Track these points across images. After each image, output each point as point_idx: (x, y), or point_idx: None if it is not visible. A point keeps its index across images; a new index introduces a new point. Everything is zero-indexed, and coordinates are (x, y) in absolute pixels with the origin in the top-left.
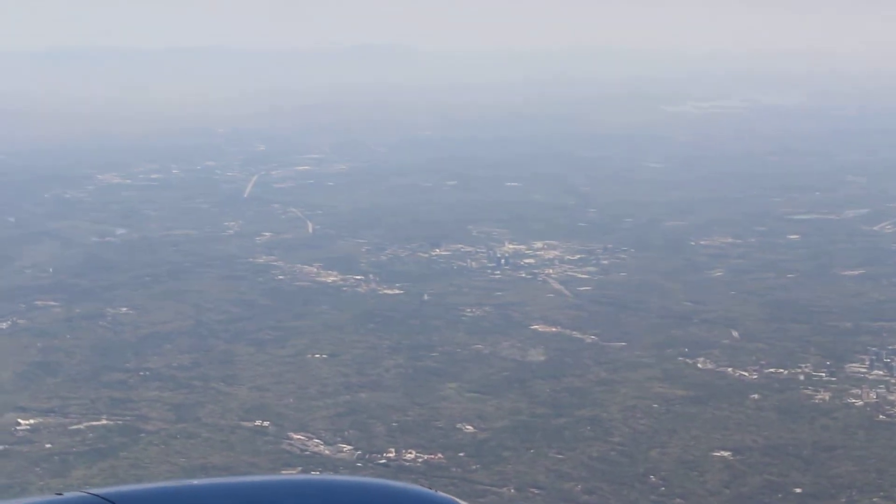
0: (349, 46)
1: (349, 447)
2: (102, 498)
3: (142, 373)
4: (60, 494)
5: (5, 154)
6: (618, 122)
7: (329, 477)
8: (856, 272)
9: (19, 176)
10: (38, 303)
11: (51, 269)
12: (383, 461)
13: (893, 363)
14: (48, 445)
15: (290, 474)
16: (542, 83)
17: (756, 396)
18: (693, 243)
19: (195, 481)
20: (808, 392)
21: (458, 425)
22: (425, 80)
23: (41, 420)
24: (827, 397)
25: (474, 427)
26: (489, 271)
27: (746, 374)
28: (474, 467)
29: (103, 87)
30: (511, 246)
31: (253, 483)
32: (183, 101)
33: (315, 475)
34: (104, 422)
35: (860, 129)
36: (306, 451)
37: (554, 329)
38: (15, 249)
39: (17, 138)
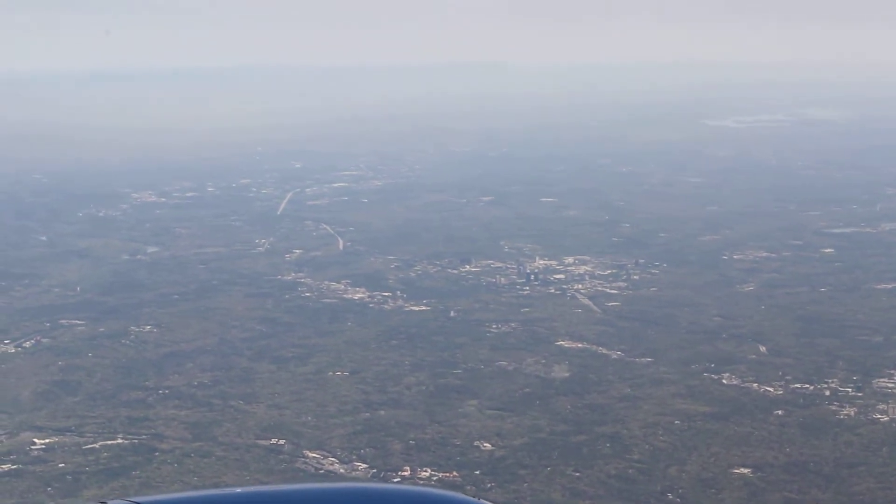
0: (399, 63)
1: (364, 465)
2: None
3: (161, 391)
4: (104, 502)
5: (43, 174)
6: (658, 136)
7: (369, 485)
8: (890, 286)
9: (55, 195)
10: (63, 321)
11: (78, 288)
12: (397, 479)
13: None
14: (61, 465)
15: (335, 483)
16: (585, 98)
17: (780, 412)
18: (727, 258)
19: (238, 489)
20: (834, 408)
21: (476, 443)
22: (469, 94)
23: (56, 439)
24: (852, 413)
25: (492, 445)
26: (518, 287)
27: (772, 389)
28: (489, 485)
29: (147, 107)
30: (542, 261)
31: (299, 491)
32: (225, 119)
33: (356, 483)
34: (119, 441)
35: None
36: (321, 469)
37: (580, 345)
38: (44, 268)
39: (56, 159)
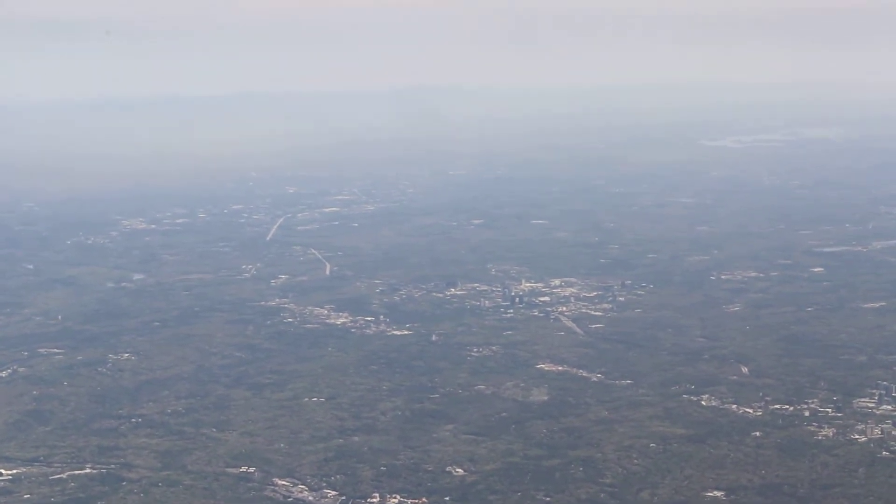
0: (396, 86)
1: (333, 493)
2: None
3: (134, 419)
4: None
5: (35, 203)
6: (655, 157)
7: None
8: (877, 305)
9: (45, 224)
10: (42, 350)
11: (60, 317)
12: None
13: None
14: (27, 496)
15: None
16: (587, 120)
17: (757, 434)
18: (714, 278)
19: None
20: (812, 428)
21: (448, 468)
22: (466, 118)
23: (24, 470)
24: (830, 433)
25: (464, 470)
26: (502, 310)
27: (751, 410)
28: None
29: (143, 135)
30: (528, 284)
31: None
32: (220, 145)
33: None
34: (87, 470)
35: None
36: (290, 497)
37: (560, 368)
38: (28, 296)
39: (49, 187)
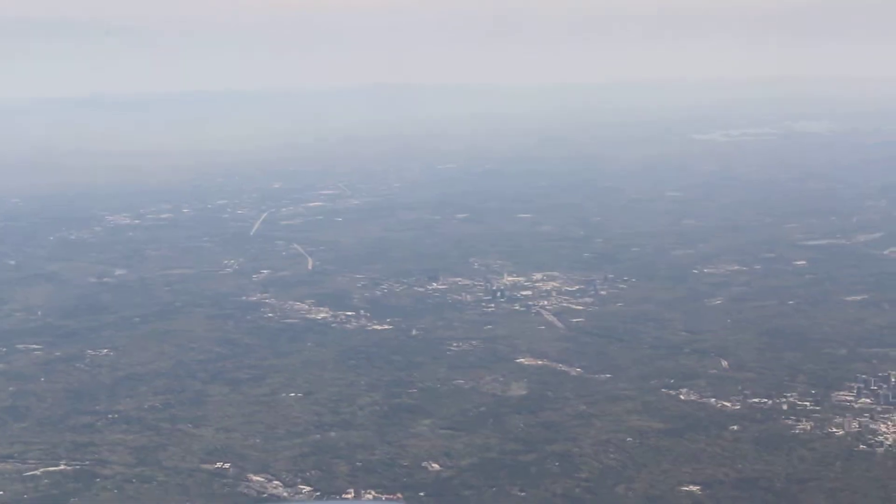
0: (386, 84)
1: (308, 488)
2: None
3: (110, 415)
4: None
5: (21, 198)
6: (644, 152)
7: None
8: (859, 297)
9: (29, 219)
10: (20, 346)
11: (40, 312)
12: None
13: (881, 391)
14: None
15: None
16: (579, 117)
17: (735, 427)
18: (697, 272)
19: None
20: (790, 422)
21: (424, 463)
22: (456, 114)
23: None
24: (808, 427)
25: (440, 465)
26: (483, 304)
27: (729, 404)
28: None
29: (132, 132)
30: (510, 278)
31: None
32: (209, 142)
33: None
34: (62, 467)
35: (889, 155)
36: (264, 492)
37: (540, 362)
38: (8, 292)
39: (35, 183)
